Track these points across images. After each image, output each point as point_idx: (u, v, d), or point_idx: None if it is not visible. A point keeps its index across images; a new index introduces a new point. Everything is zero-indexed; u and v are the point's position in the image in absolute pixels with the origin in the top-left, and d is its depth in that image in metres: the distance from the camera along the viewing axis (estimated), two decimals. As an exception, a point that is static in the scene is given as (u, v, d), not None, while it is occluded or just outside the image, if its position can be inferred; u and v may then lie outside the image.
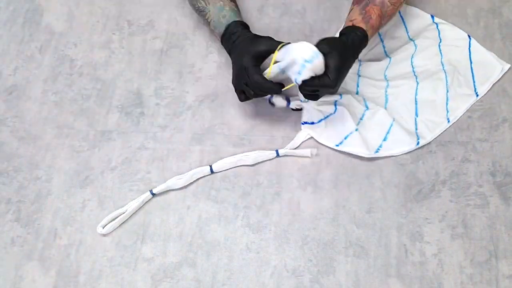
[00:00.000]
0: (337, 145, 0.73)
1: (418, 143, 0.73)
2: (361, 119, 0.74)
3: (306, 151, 0.73)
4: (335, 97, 0.75)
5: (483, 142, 0.74)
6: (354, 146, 0.72)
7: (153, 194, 0.71)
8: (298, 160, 0.73)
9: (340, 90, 0.74)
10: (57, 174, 0.74)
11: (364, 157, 0.73)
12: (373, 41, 0.81)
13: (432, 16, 0.82)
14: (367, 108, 0.75)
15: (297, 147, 0.74)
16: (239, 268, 0.67)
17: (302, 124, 0.76)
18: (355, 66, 0.76)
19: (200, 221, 0.70)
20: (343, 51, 0.67)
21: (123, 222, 0.70)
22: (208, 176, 0.73)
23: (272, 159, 0.74)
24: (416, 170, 0.72)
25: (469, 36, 0.80)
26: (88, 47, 0.84)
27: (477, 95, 0.76)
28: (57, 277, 0.67)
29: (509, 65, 0.77)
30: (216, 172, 0.73)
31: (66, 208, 0.72)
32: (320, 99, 0.71)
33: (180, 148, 0.75)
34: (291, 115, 0.77)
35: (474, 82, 0.76)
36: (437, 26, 0.81)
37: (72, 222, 0.71)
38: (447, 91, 0.76)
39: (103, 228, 0.69)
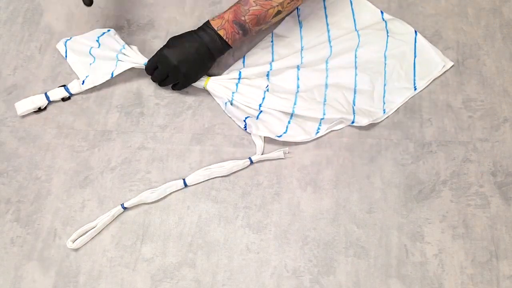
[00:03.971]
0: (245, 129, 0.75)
1: (353, 122, 0.74)
2: (263, 98, 0.76)
3: (279, 153, 0.73)
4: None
5: (484, 142, 0.73)
6: (261, 130, 0.73)
7: (124, 208, 0.70)
8: (298, 160, 0.73)
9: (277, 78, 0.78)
10: (57, 174, 0.74)
11: (364, 157, 0.73)
12: (319, 29, 0.82)
13: (382, 12, 0.83)
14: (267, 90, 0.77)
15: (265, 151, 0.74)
16: (239, 268, 0.67)
17: (245, 119, 0.75)
18: (297, 55, 0.78)
19: (200, 221, 0.70)
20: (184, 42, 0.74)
21: (94, 236, 0.69)
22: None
23: (247, 166, 0.73)
24: (416, 170, 0.72)
25: (415, 31, 0.80)
26: (88, 47, 0.84)
27: (415, 89, 0.77)
28: (57, 277, 0.67)
29: (451, 63, 0.78)
30: (190, 186, 0.72)
31: (66, 208, 0.72)
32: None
33: (180, 148, 0.75)
34: (291, 115, 0.77)
35: (414, 76, 0.77)
36: (386, 24, 0.81)
37: (72, 222, 0.71)
38: (385, 85, 0.77)
39: (73, 242, 0.68)
